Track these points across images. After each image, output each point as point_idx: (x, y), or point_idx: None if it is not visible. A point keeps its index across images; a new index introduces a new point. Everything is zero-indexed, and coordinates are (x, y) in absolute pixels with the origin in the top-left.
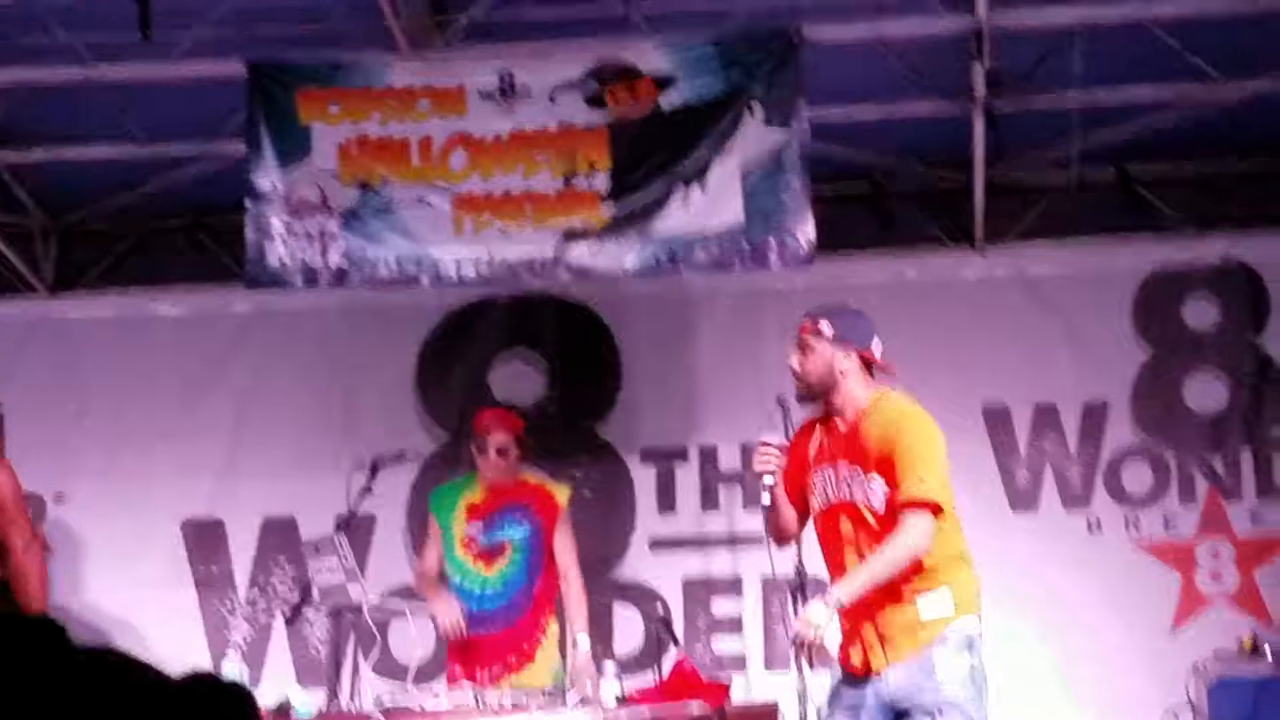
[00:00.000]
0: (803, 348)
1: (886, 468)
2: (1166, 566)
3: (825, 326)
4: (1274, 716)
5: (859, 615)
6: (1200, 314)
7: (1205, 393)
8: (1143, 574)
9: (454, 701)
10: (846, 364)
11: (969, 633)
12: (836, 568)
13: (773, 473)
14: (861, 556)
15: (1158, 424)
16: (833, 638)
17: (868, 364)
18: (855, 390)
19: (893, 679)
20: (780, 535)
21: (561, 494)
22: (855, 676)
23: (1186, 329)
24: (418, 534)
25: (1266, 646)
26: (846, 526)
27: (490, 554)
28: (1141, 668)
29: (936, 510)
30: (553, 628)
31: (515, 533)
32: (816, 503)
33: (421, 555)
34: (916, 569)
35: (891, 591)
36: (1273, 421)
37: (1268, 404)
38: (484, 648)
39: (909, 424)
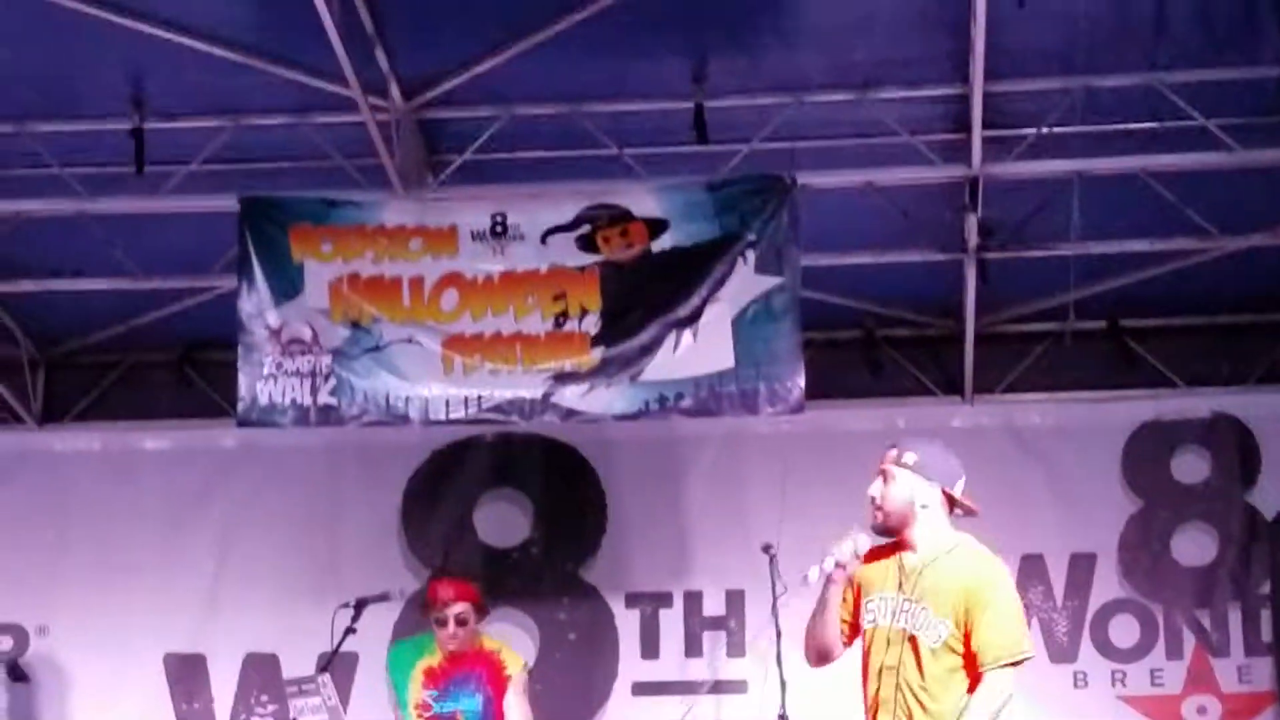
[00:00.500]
0: (885, 476)
1: (964, 617)
2: None
3: (910, 458)
4: None
5: None
6: (1190, 468)
7: (1194, 547)
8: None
9: None
10: (929, 499)
11: None
12: (873, 687)
13: (845, 564)
14: (901, 688)
15: (1145, 577)
16: None
17: (950, 502)
18: (934, 527)
19: None
20: (819, 639)
21: (514, 663)
22: None
23: (1176, 482)
24: None
25: None
26: (896, 655)
27: None
28: None
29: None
30: None
31: (468, 704)
32: (867, 622)
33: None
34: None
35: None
36: (1261, 578)
37: (1256, 560)
38: None
39: (997, 581)
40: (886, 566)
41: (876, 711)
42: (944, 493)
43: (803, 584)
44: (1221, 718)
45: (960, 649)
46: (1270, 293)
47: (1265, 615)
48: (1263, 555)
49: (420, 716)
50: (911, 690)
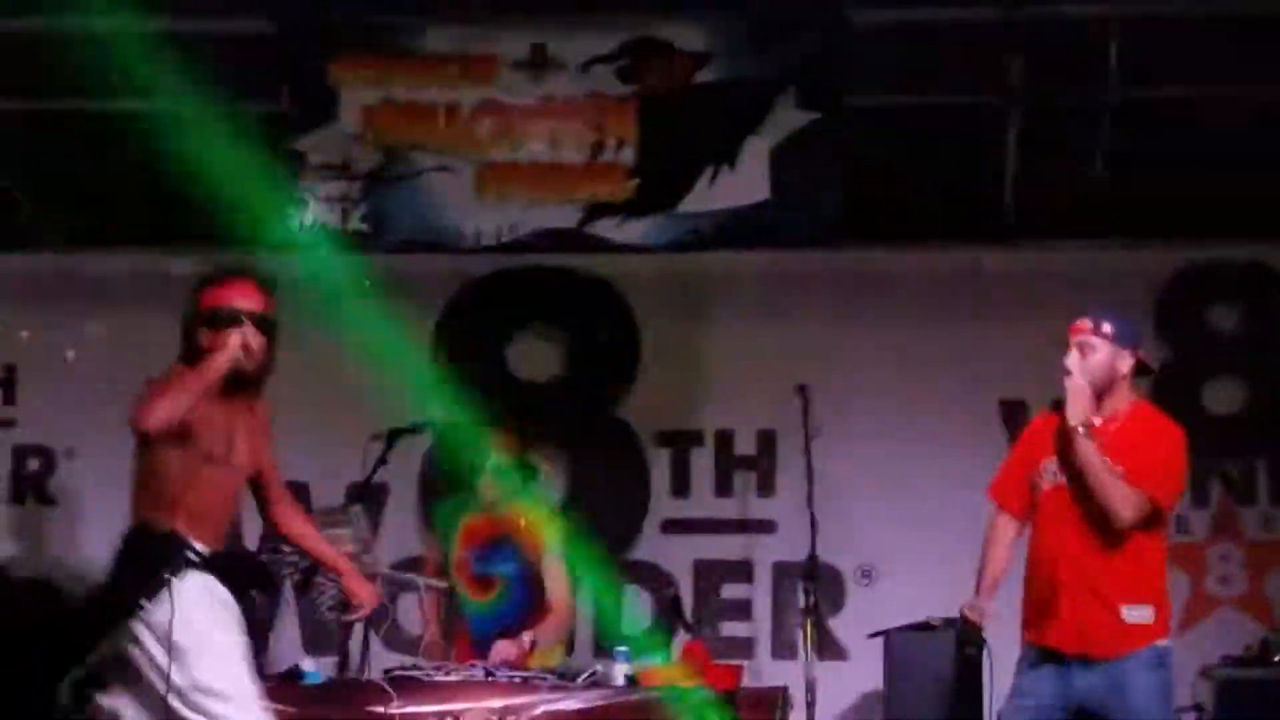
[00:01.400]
0: (1083, 350)
1: (1139, 469)
2: (1177, 569)
3: (1107, 328)
4: None
5: (1063, 595)
6: (1223, 317)
7: (1224, 396)
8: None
9: (462, 675)
10: (1124, 366)
11: (1163, 651)
12: (1059, 544)
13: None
14: (1085, 540)
15: None
16: None
17: (1140, 365)
18: (1125, 391)
19: (1082, 680)
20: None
21: (551, 534)
22: (1042, 654)
23: (1209, 331)
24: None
25: (1275, 651)
26: (1076, 506)
27: (481, 584)
28: None
29: (1156, 511)
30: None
31: (505, 569)
32: (1048, 482)
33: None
34: (1126, 577)
35: (1098, 592)
36: None
37: None
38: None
39: (1171, 438)
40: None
41: (1059, 558)
42: (1137, 357)
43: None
44: (1245, 565)
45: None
46: None
47: None
48: None
49: (461, 575)
50: (1090, 540)
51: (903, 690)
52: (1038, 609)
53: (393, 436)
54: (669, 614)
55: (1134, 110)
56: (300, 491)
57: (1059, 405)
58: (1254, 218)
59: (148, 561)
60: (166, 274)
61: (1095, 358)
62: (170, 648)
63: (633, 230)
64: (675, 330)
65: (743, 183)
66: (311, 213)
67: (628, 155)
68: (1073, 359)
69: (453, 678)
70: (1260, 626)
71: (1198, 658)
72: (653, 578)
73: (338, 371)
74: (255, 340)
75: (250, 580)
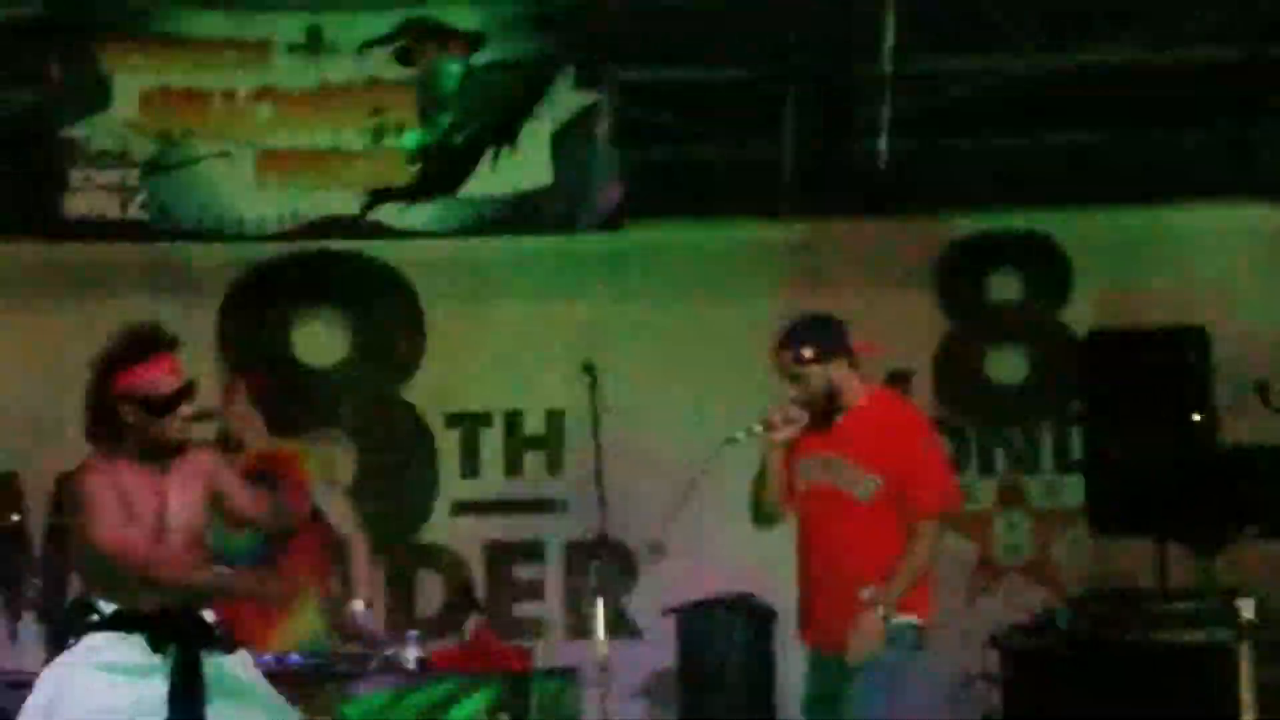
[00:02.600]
0: (794, 379)
1: (891, 470)
2: (964, 537)
3: (808, 351)
4: (1068, 688)
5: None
6: (1003, 287)
7: (1006, 366)
8: (942, 544)
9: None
10: (837, 372)
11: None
12: (810, 549)
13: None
14: (836, 544)
15: (959, 396)
16: None
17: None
18: (848, 389)
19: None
20: (768, 500)
21: (310, 462)
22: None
23: (989, 301)
24: None
25: (1059, 618)
26: (825, 511)
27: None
28: (939, 638)
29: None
30: (306, 595)
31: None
32: (801, 485)
33: None
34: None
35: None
36: (1072, 396)
37: (1067, 379)
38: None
39: (917, 430)
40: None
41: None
42: (846, 356)
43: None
44: (1032, 532)
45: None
46: (1082, 111)
47: (1075, 433)
48: (1073, 374)
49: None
50: (844, 544)
51: (696, 666)
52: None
53: None
54: (461, 596)
55: (910, 82)
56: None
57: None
58: (1032, 187)
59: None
60: None
61: (806, 385)
62: None
63: (416, 215)
64: (461, 312)
65: (524, 166)
66: (89, 200)
67: (410, 139)
68: (791, 391)
69: None
70: (1048, 593)
71: (987, 626)
72: (444, 560)
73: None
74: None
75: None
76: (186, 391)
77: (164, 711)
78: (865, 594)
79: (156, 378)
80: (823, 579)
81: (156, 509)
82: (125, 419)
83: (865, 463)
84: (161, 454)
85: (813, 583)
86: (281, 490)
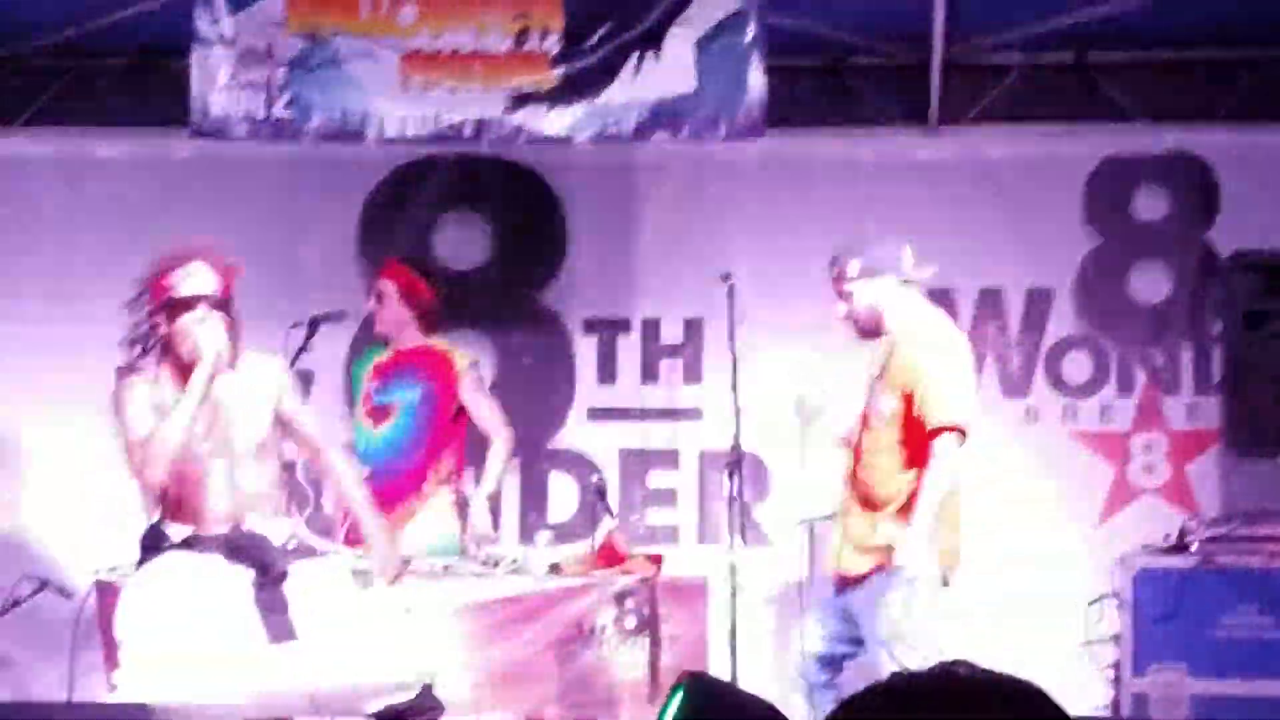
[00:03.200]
0: (842, 296)
1: (907, 389)
2: (1100, 457)
3: (854, 267)
4: (1196, 609)
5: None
6: (1149, 205)
7: (1149, 285)
8: (1076, 465)
9: None
10: (884, 292)
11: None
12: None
13: None
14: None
15: (1100, 314)
16: None
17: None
18: (893, 309)
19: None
20: None
21: (462, 359)
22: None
23: (1134, 219)
24: None
25: (1193, 540)
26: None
27: (379, 413)
28: (1070, 559)
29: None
30: (442, 493)
31: (405, 395)
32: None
33: None
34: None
35: (866, 504)
36: (1214, 317)
37: (1210, 299)
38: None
39: (933, 349)
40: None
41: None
42: (898, 274)
43: None
44: (1168, 454)
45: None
46: (1236, 28)
47: (1216, 354)
48: (1217, 294)
49: (363, 408)
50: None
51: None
52: None
53: (314, 324)
54: (594, 502)
55: None
56: None
57: None
58: (1183, 104)
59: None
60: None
61: (855, 303)
62: None
63: (559, 120)
64: (601, 217)
65: (668, 72)
66: (235, 98)
67: (552, 44)
68: (839, 307)
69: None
70: (1184, 515)
71: (1119, 546)
72: (578, 465)
73: (263, 257)
74: (218, 330)
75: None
76: (208, 297)
77: (252, 607)
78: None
79: (179, 281)
80: (849, 508)
81: (207, 423)
82: (158, 329)
83: (888, 383)
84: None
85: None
86: (418, 375)
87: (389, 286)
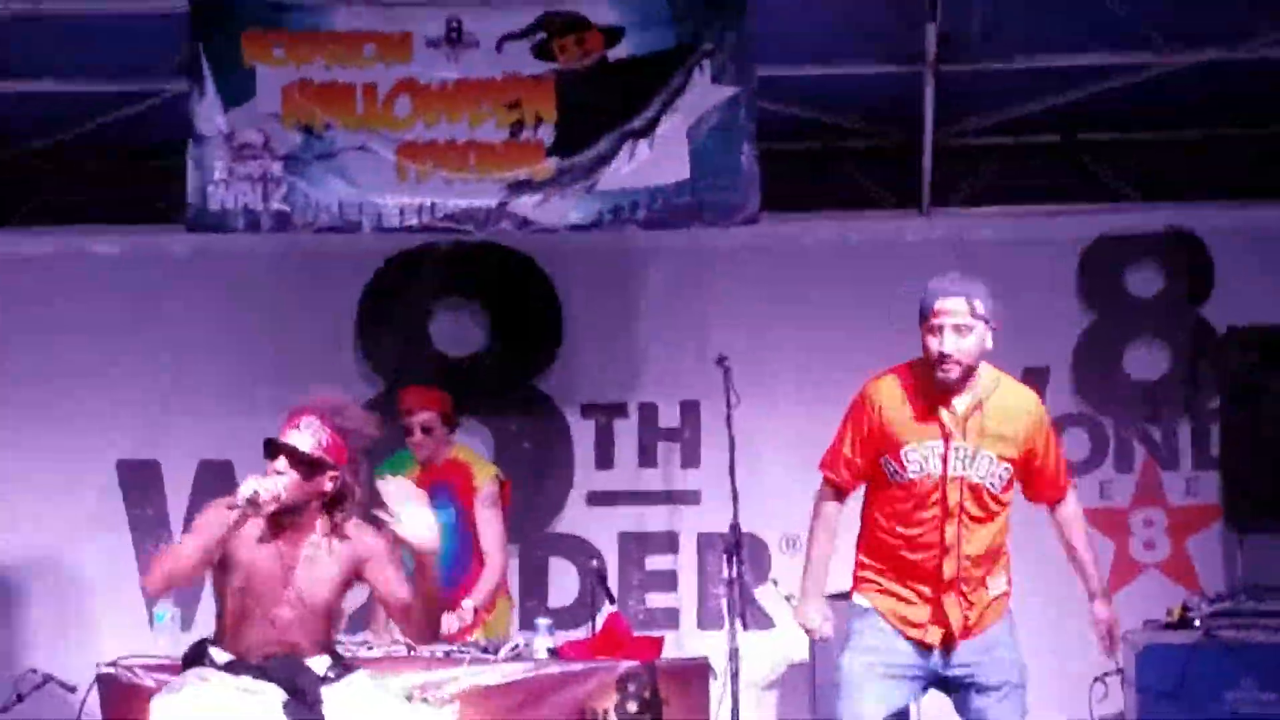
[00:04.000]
0: (960, 330)
1: (1031, 460)
2: (1100, 534)
3: (980, 306)
4: (1200, 685)
5: (943, 589)
6: (1143, 282)
7: (1146, 361)
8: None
9: (386, 650)
10: (989, 342)
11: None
12: (917, 539)
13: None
14: (965, 529)
15: (1097, 391)
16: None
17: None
18: (983, 368)
19: (958, 651)
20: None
21: (481, 474)
22: (918, 648)
23: (1129, 297)
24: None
25: (1195, 616)
26: (957, 498)
27: None
28: (1072, 635)
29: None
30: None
31: (440, 517)
32: (912, 472)
33: None
34: (995, 555)
35: (975, 586)
36: (1211, 392)
37: (1207, 374)
38: None
39: (1045, 416)
40: (923, 413)
41: (942, 555)
42: (993, 328)
43: None
44: (1168, 530)
45: (1013, 483)
46: (1225, 107)
47: (1214, 429)
48: (1213, 369)
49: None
50: (974, 531)
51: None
52: (894, 592)
53: None
54: (593, 586)
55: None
56: (223, 467)
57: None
58: (1174, 182)
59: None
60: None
61: (971, 338)
62: None
63: (554, 209)
64: (597, 303)
65: (662, 159)
66: (232, 192)
67: (546, 133)
68: (948, 340)
69: (375, 653)
70: (1184, 591)
71: (1122, 622)
72: (577, 550)
73: (260, 349)
74: (278, 482)
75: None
76: (290, 454)
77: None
78: None
79: (284, 430)
80: (951, 581)
81: (279, 575)
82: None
83: (1006, 453)
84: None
85: (934, 582)
86: (459, 504)
87: (432, 418)
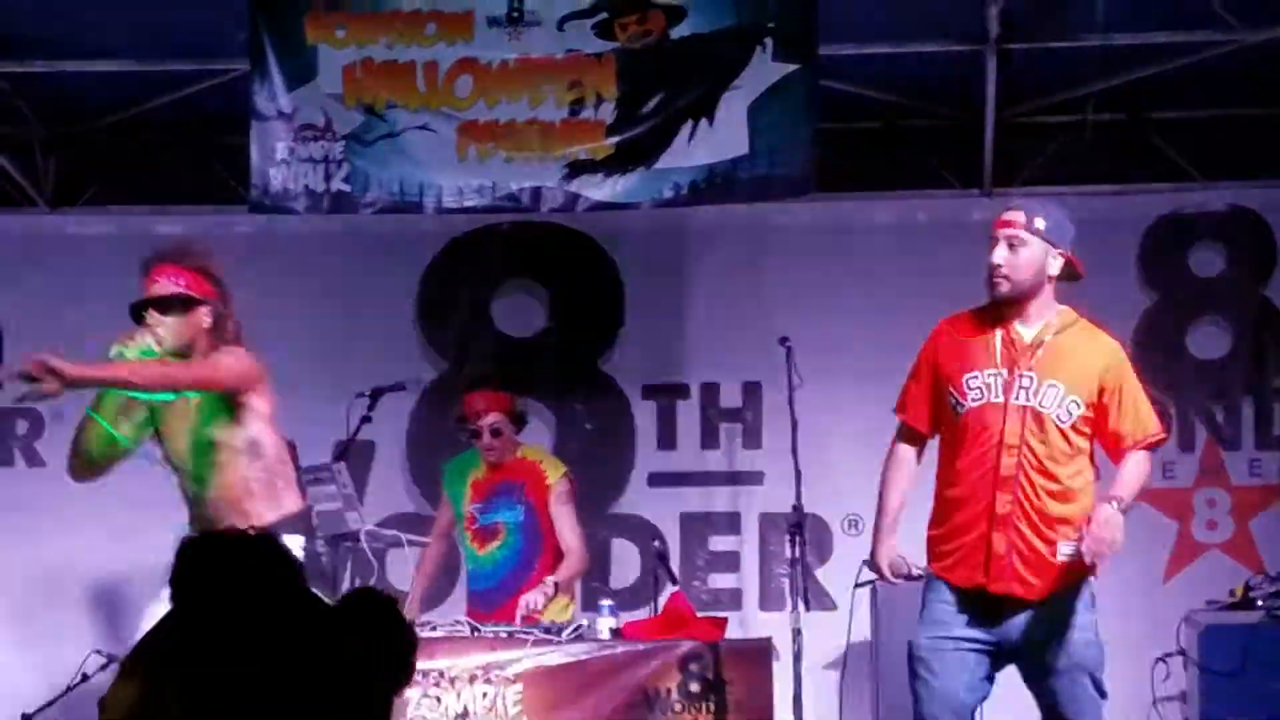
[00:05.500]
0: (1013, 243)
1: (1103, 398)
2: (1163, 515)
3: (1040, 223)
4: (1263, 664)
5: (997, 531)
6: (1206, 261)
7: (1208, 341)
8: (1140, 522)
9: (448, 630)
10: (1054, 268)
11: (1094, 588)
12: (985, 467)
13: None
14: (1025, 466)
15: (1160, 371)
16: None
17: (1069, 269)
18: (1050, 298)
19: (1021, 622)
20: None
21: (553, 472)
22: (959, 593)
23: (1192, 276)
24: (418, 471)
25: (1258, 595)
26: (1018, 428)
27: (485, 535)
28: (1134, 616)
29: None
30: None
31: (509, 516)
32: (973, 399)
33: (436, 519)
34: (1065, 511)
35: (1039, 529)
36: (1275, 371)
37: (1270, 353)
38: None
39: (1126, 361)
40: (986, 340)
41: (997, 487)
42: (1067, 258)
43: None
44: (1231, 510)
45: (1088, 430)
46: None
47: (1277, 409)
48: (1277, 348)
49: (468, 530)
50: (1039, 467)
51: (891, 640)
52: (951, 551)
53: (376, 394)
54: (655, 567)
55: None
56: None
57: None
58: (1235, 161)
59: None
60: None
61: (1025, 254)
62: None
63: (613, 187)
64: (659, 284)
65: (721, 137)
66: (294, 173)
67: (606, 112)
68: (999, 253)
69: (437, 633)
70: (1247, 571)
71: (1184, 603)
72: (639, 531)
73: (323, 330)
74: (143, 337)
75: None
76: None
77: None
78: None
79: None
80: (1006, 515)
81: None
82: None
83: (1070, 386)
84: None
85: (989, 519)
86: (518, 496)
87: (500, 420)
